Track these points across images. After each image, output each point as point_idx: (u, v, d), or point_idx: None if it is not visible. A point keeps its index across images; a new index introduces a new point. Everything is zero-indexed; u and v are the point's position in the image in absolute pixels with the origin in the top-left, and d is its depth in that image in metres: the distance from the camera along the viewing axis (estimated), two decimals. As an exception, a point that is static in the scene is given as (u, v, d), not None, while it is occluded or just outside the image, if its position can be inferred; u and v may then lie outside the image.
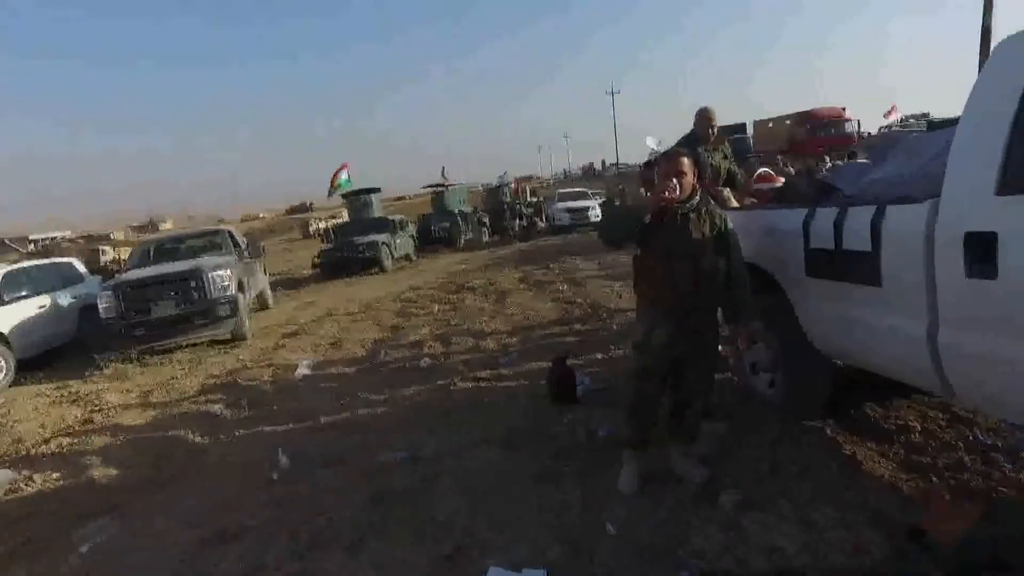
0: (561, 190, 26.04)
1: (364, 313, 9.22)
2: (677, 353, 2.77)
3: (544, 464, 3.27)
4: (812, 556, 2.26)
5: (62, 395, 6.49)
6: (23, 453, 4.79)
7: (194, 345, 8.02)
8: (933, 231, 2.18)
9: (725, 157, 4.38)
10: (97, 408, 5.74)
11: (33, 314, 8.08)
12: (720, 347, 3.25)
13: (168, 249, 9.65)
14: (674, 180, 2.64)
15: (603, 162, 73.73)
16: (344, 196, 20.85)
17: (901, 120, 36.13)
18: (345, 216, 25.42)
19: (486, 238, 21.37)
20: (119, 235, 49.09)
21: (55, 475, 4.18)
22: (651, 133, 31.12)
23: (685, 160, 2.72)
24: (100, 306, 7.59)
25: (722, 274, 2.76)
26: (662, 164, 2.79)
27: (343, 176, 20.59)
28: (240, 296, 8.09)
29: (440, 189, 24.27)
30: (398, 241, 16.44)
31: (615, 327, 6.21)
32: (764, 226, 3.27)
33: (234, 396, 5.50)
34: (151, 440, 4.65)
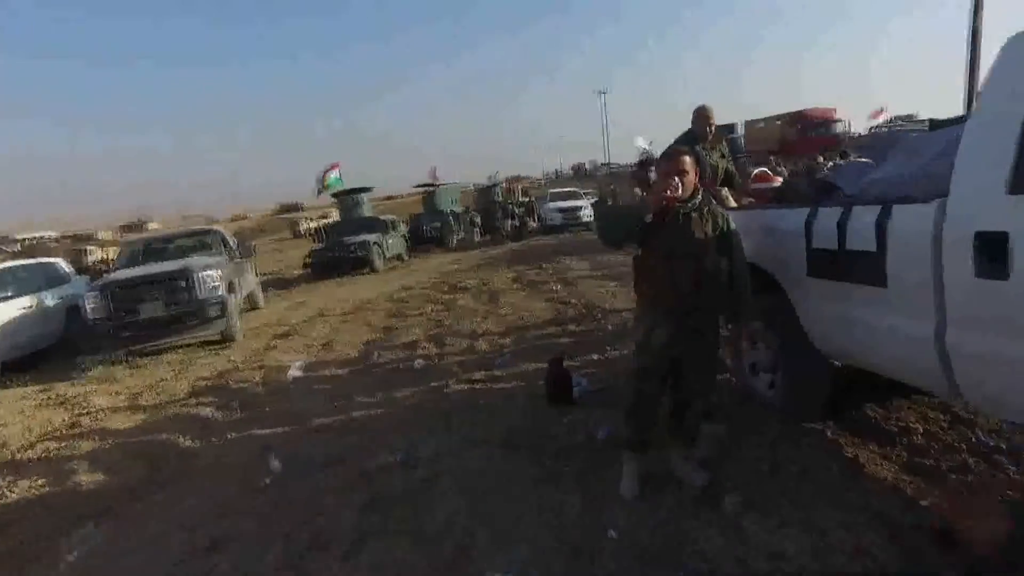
0: (553, 190, 26.02)
1: (356, 314, 9.14)
2: (677, 353, 2.74)
3: (543, 466, 3.23)
4: (815, 559, 2.23)
5: (48, 398, 6.35)
6: (7, 458, 4.66)
7: (184, 346, 7.91)
8: (941, 231, 2.16)
9: (723, 156, 4.34)
10: (84, 411, 5.62)
11: (17, 315, 7.92)
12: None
13: (157, 249, 9.52)
14: (676, 179, 2.61)
15: (594, 162, 73.89)
16: (335, 196, 20.74)
17: (889, 121, 36.45)
18: (335, 216, 25.27)
19: (478, 238, 21.33)
20: (106, 235, 48.58)
21: (41, 481, 4.07)
22: (641, 133, 31.12)
23: (687, 158, 2.68)
24: (87, 307, 7.45)
25: (724, 274, 2.73)
26: (663, 163, 2.75)
27: (332, 176, 20.47)
28: (230, 296, 8.00)
29: (431, 189, 24.20)
30: (389, 241, 16.36)
31: (610, 328, 6.18)
32: (764, 226, 3.25)
33: (225, 398, 5.42)
34: (140, 444, 4.55)
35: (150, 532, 3.16)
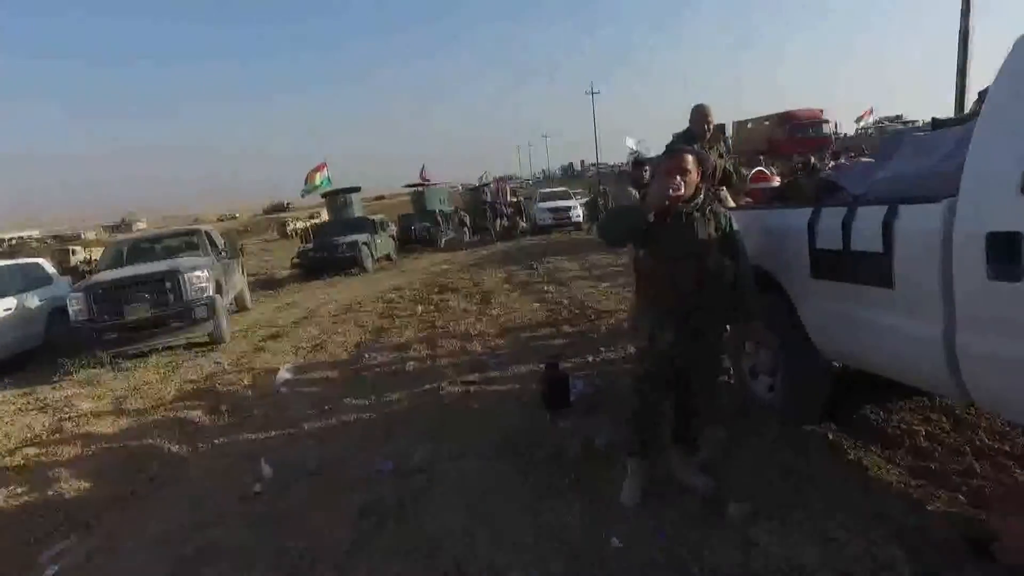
0: (543, 190, 25.96)
1: (346, 314, 9.02)
2: (680, 356, 2.68)
3: (542, 472, 3.15)
4: (834, 572, 2.16)
5: (29, 402, 6.18)
6: (-14, 465, 4.52)
7: (170, 348, 7.76)
8: (951, 231, 2.11)
9: (721, 155, 4.29)
10: (67, 416, 5.46)
11: (-2, 317, 7.73)
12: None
13: (143, 249, 9.34)
14: (678, 178, 2.55)
15: (582, 162, 74.08)
16: (324, 195, 20.56)
17: (876, 122, 36.80)
18: (324, 216, 25.06)
19: (467, 238, 21.23)
20: (90, 235, 47.96)
21: (20, 489, 3.93)
22: (631, 133, 31.16)
23: (689, 157, 2.62)
24: (70, 308, 7.29)
25: (727, 274, 2.68)
26: (666, 161, 2.69)
27: (319, 176, 20.26)
28: (218, 297, 7.86)
29: (420, 189, 24.06)
30: (379, 241, 16.25)
31: (603, 329, 6.13)
32: (766, 226, 3.21)
33: (213, 402, 5.29)
34: (125, 450, 4.42)
35: (135, 542, 3.04)
